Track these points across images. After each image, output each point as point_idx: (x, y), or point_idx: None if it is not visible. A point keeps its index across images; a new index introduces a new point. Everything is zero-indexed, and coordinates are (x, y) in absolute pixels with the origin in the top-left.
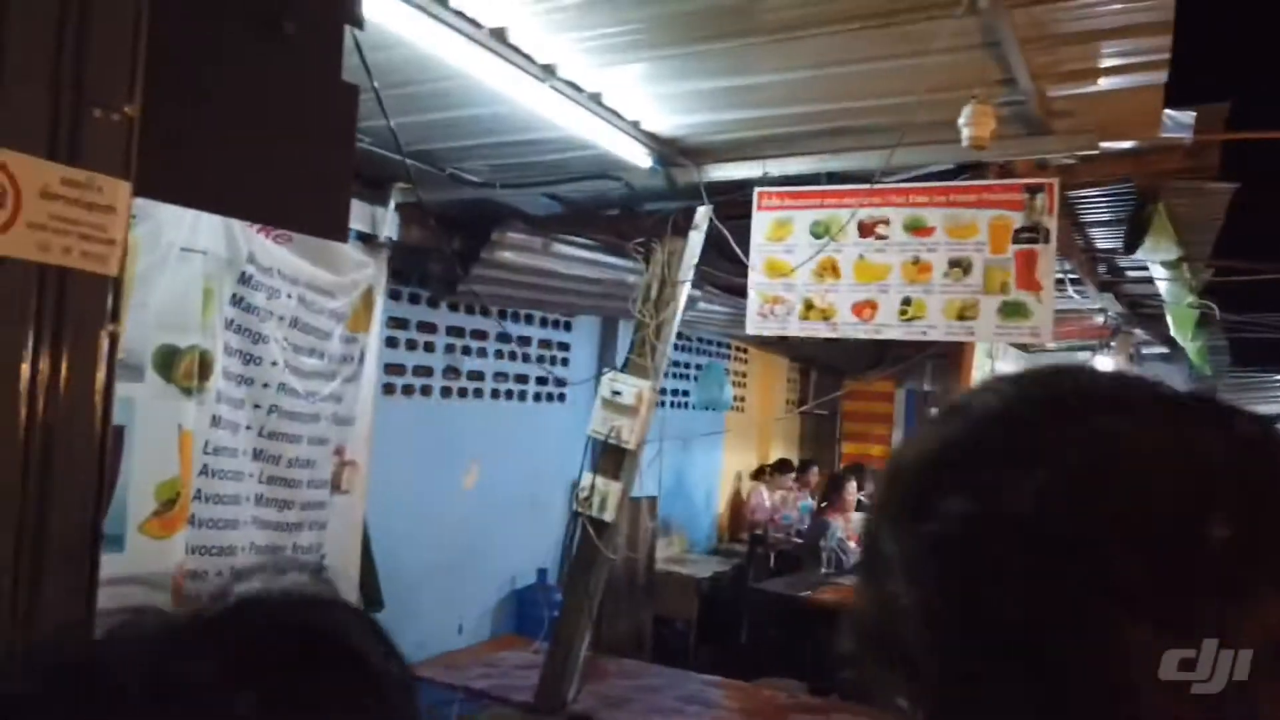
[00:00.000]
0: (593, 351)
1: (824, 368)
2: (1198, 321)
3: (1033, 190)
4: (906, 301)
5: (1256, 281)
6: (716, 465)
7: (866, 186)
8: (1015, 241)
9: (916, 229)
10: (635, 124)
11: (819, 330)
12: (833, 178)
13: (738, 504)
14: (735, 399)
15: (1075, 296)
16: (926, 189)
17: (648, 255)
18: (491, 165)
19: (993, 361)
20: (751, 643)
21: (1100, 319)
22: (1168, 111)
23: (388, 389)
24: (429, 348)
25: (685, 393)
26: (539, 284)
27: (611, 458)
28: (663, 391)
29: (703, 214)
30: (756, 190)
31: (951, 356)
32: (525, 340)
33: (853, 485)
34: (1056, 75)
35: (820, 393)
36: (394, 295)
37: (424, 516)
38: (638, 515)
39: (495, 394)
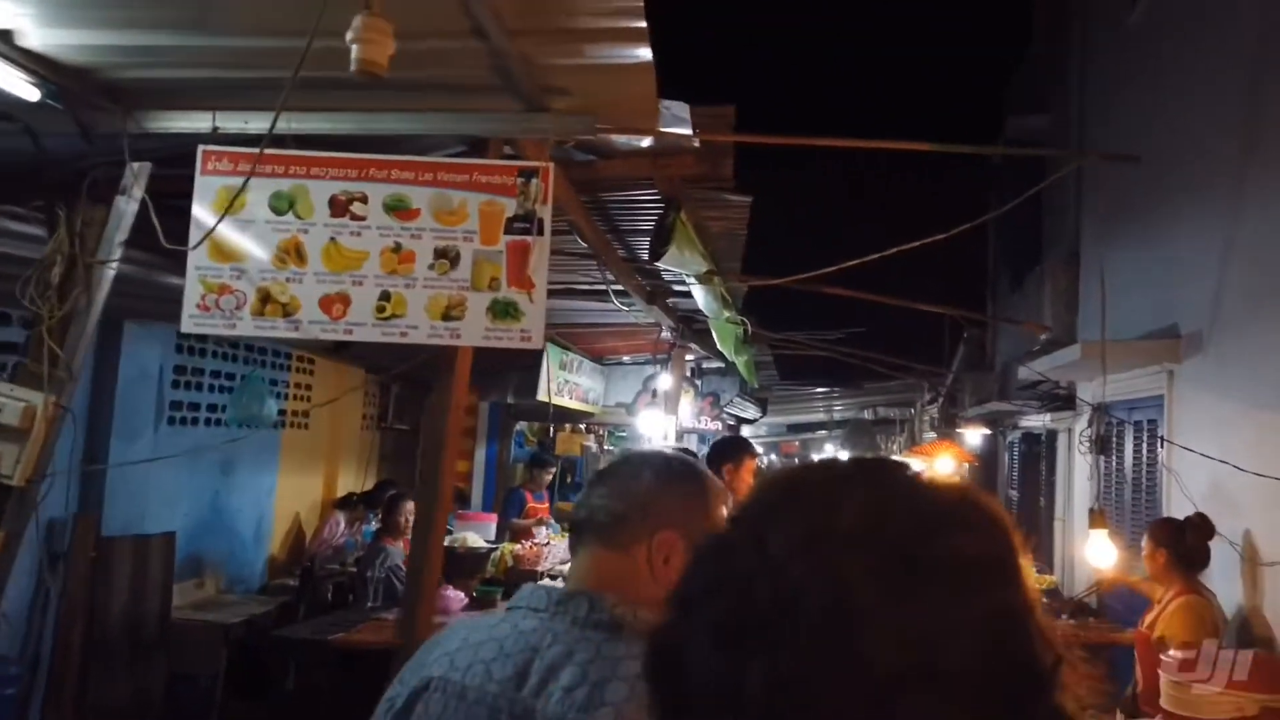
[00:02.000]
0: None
1: (405, 380)
2: (741, 337)
3: (527, 175)
4: (385, 296)
5: (788, 300)
6: (269, 491)
7: (342, 155)
8: (508, 232)
9: (399, 210)
10: (4, 35)
11: (277, 329)
12: (304, 143)
13: (299, 534)
14: (291, 414)
15: (623, 309)
16: (411, 163)
17: (51, 224)
18: None
19: (565, 374)
20: (300, 695)
21: (664, 334)
22: (664, 102)
23: None
24: None
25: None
26: None
27: None
28: (195, 407)
29: (134, 174)
30: (201, 149)
31: (444, 362)
32: None
33: (409, 506)
34: (535, 35)
35: (402, 407)
36: None
37: None
38: (145, 556)
39: None
